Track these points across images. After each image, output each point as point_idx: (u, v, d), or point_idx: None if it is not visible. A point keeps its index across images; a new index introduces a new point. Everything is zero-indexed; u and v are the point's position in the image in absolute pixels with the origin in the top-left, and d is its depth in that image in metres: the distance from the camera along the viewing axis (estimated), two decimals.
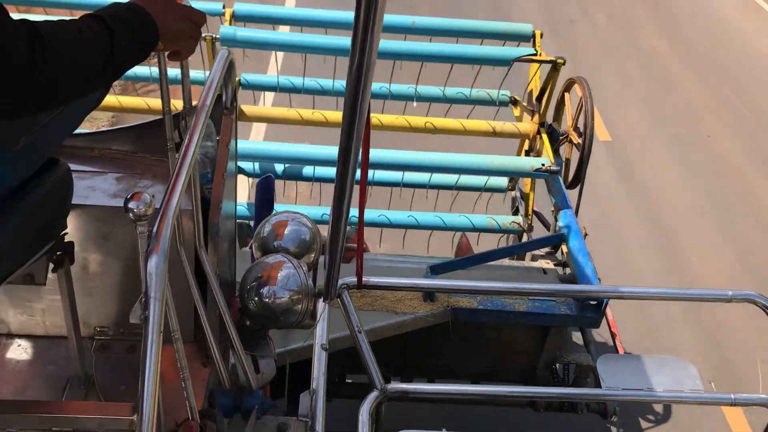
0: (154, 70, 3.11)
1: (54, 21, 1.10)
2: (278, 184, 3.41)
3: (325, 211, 3.31)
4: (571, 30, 8.28)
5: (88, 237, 1.74)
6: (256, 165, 3.21)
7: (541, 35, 3.30)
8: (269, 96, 3.43)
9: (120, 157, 1.89)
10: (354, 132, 1.13)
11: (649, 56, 7.97)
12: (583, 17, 8.66)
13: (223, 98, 1.83)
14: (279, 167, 3.27)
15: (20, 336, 1.82)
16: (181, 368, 1.47)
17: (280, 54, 3.20)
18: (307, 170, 3.31)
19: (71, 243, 1.57)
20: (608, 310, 3.37)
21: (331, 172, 3.32)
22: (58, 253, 1.55)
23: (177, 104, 2.60)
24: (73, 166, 1.57)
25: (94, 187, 1.77)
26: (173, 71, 2.54)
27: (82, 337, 1.69)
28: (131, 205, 1.19)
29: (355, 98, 1.01)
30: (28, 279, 1.59)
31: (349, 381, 3.05)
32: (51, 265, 1.56)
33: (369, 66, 0.96)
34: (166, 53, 1.40)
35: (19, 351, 1.81)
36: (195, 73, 3.17)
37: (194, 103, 1.60)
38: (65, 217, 1.53)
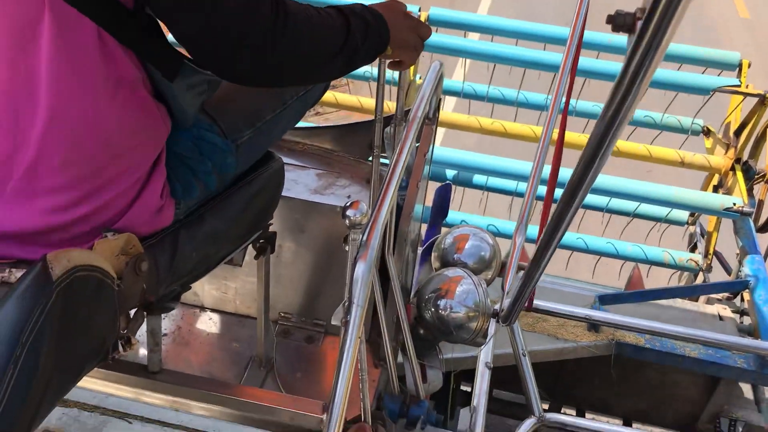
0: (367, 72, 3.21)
1: (299, 2, 1.16)
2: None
3: (492, 222, 3.28)
4: None
5: (286, 227, 1.83)
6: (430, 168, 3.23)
7: (749, 65, 3.07)
8: (449, 101, 3.44)
9: (322, 154, 1.97)
10: (594, 165, 1.09)
11: None
12: None
13: (429, 108, 1.85)
14: (450, 173, 3.27)
15: (213, 310, 1.96)
16: (361, 369, 1.51)
17: (468, 61, 3.19)
18: (479, 179, 3.29)
19: (274, 233, 1.66)
20: None
21: (502, 183, 3.28)
22: (261, 241, 1.64)
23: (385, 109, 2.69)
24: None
25: (296, 181, 1.86)
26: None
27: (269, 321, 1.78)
28: (349, 212, 1.23)
29: (606, 131, 0.97)
30: (228, 261, 1.70)
31: (498, 397, 3.01)
32: (254, 252, 1.65)
33: (628, 110, 0.92)
34: (388, 61, 1.44)
35: (210, 324, 1.94)
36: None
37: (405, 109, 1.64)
38: (275, 209, 1.62)
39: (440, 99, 1.88)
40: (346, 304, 1.20)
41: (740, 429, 2.78)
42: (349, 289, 1.20)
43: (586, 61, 3.00)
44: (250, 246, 1.65)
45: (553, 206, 1.42)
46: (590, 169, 1.14)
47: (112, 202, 1.15)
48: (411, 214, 1.76)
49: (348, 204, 1.25)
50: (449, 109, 3.51)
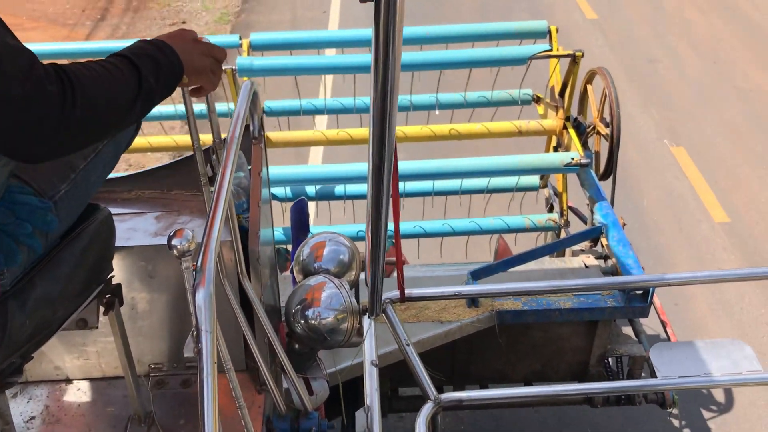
0: (179, 108, 3.17)
1: (81, 63, 1.15)
2: (312, 205, 3.45)
3: (361, 228, 3.33)
4: (653, 73, 7.08)
5: (135, 277, 1.78)
6: (288, 189, 3.24)
7: (557, 30, 3.29)
8: (294, 121, 3.47)
9: (157, 196, 1.94)
10: (385, 147, 1.14)
11: (755, 96, 6.50)
12: (664, 55, 7.37)
13: (251, 128, 1.86)
14: (311, 189, 3.30)
15: (79, 380, 1.87)
16: (236, 397, 1.49)
17: (301, 78, 3.23)
18: (339, 189, 3.33)
19: (119, 285, 1.61)
20: (656, 299, 3.32)
21: (362, 188, 3.34)
22: (107, 296, 1.59)
23: (205, 139, 2.65)
24: (113, 210, 1.61)
25: (135, 228, 1.81)
26: (197, 107, 2.59)
27: (138, 376, 1.73)
28: (174, 242, 1.22)
29: (382, 114, 1.03)
30: (81, 323, 1.63)
31: (402, 395, 3.04)
32: (102, 309, 1.60)
33: (393, 81, 0.97)
34: (189, 89, 1.44)
35: (79, 395, 1.85)
36: (218, 106, 3.23)
37: (222, 135, 1.64)
38: (111, 260, 1.57)
39: (262, 117, 1.89)
40: (195, 333, 1.19)
41: (626, 363, 2.96)
42: (194, 318, 1.18)
43: (408, 55, 3.11)
44: (98, 303, 1.59)
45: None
46: (383, 148, 1.19)
47: None
48: (258, 233, 1.76)
49: (171, 234, 1.24)
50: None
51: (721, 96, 6.64)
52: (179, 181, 1.94)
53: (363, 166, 2.98)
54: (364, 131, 3.30)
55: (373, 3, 0.91)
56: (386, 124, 1.07)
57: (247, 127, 1.87)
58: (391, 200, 1.48)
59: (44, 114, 1.05)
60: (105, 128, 1.20)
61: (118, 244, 1.64)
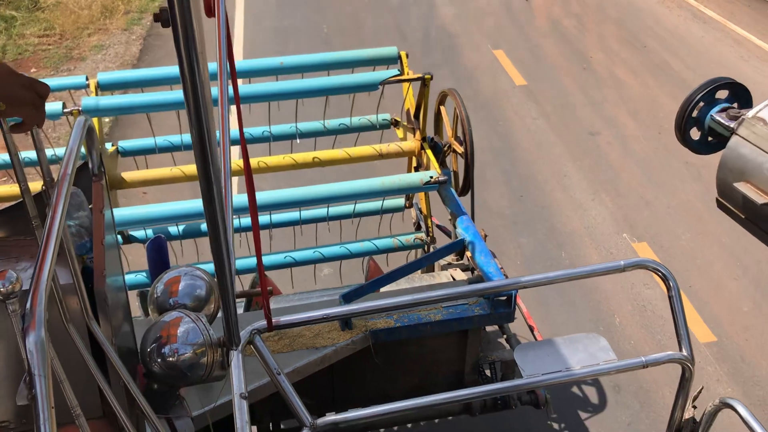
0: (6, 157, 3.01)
1: None
2: (176, 245, 3.36)
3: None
4: (596, 149, 6.40)
5: None
6: (149, 231, 3.15)
7: (407, 56, 3.41)
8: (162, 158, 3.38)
9: None
10: (211, 179, 1.14)
11: (707, 173, 5.81)
12: (604, 126, 6.74)
13: (90, 165, 1.80)
14: (173, 228, 3.22)
15: None
16: None
17: (153, 116, 3.17)
18: (202, 226, 3.27)
19: None
20: (522, 304, 3.47)
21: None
22: None
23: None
24: None
25: None
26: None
27: None
28: None
29: (201, 144, 1.03)
30: None
31: (286, 427, 3.00)
32: None
33: (206, 108, 0.98)
34: (10, 125, 1.38)
35: None
36: (63, 151, 3.10)
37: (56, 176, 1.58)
38: None
39: (100, 153, 1.84)
40: (27, 379, 1.12)
41: (499, 368, 3.06)
42: (26, 363, 1.12)
43: (263, 85, 3.12)
44: None
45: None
46: (211, 184, 1.19)
47: None
48: (104, 273, 1.70)
49: None
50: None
51: (672, 174, 6.06)
52: (15, 227, 1.84)
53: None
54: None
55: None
56: (207, 154, 1.08)
57: (85, 164, 1.81)
58: (230, 231, 1.47)
59: None
60: None
61: None
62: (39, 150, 1.54)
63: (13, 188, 3.06)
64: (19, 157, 1.50)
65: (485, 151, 6.11)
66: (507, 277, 3.01)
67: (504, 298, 2.78)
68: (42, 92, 1.38)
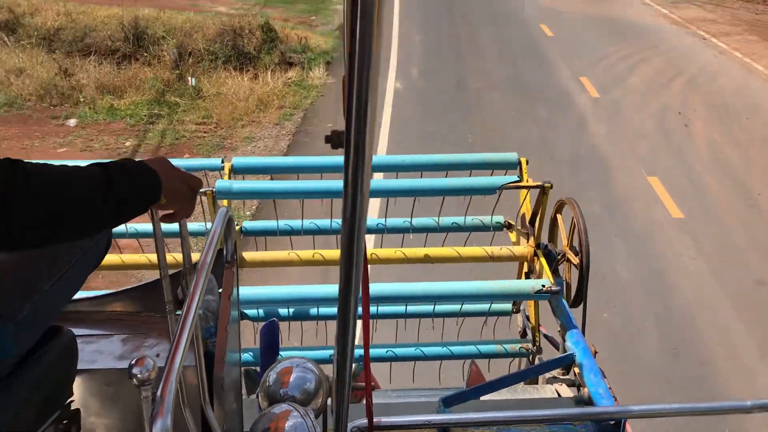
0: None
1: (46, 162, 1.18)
2: (284, 326, 3.42)
3: (332, 351, 3.29)
4: (765, 301, 5.72)
5: (95, 401, 1.74)
6: (260, 310, 3.23)
7: (527, 162, 3.43)
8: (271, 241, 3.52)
9: (125, 318, 1.93)
10: (353, 270, 1.17)
11: None
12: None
13: (224, 252, 1.89)
14: (283, 310, 3.29)
15: None
16: None
17: (280, 202, 3.32)
18: (312, 310, 3.33)
19: (78, 411, 1.58)
20: (629, 429, 3.27)
21: (334, 310, 3.33)
22: (64, 421, 1.55)
23: (178, 257, 2.66)
24: (78, 331, 1.60)
25: (101, 351, 1.79)
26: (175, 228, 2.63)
27: None
28: (135, 370, 1.21)
29: (350, 237, 1.07)
30: None
31: None
32: None
33: (362, 207, 1.02)
34: (160, 215, 1.47)
35: None
36: (197, 226, 3.28)
37: (194, 258, 1.66)
38: (71, 386, 1.55)
39: (235, 241, 1.93)
40: None
41: None
42: None
43: (384, 182, 3.21)
44: (54, 430, 1.55)
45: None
46: (351, 275, 1.22)
47: None
48: (224, 359, 1.75)
49: (133, 362, 1.23)
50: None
51: None
52: (148, 304, 1.94)
53: (334, 288, 2.99)
54: (337, 253, 3.34)
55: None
56: (354, 248, 1.11)
57: (220, 251, 1.90)
58: (359, 322, 1.49)
59: None
60: (63, 220, 1.19)
61: (81, 366, 1.61)
62: (183, 238, 1.64)
63: (154, 258, 3.21)
64: (162, 240, 1.59)
65: (635, 290, 5.56)
66: (617, 400, 2.86)
67: (612, 422, 2.65)
68: (195, 187, 1.48)
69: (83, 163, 1.30)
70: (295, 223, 3.42)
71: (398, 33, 14.84)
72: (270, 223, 3.41)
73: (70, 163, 1.46)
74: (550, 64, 12.59)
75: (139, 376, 1.21)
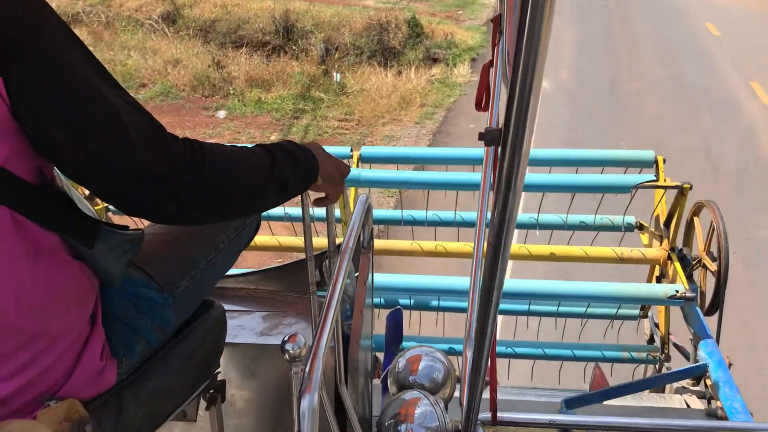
0: (288, 210, 3.30)
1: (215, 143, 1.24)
2: (405, 314, 3.46)
3: (451, 342, 3.30)
4: None
5: (237, 374, 1.83)
6: (382, 297, 3.28)
7: (664, 161, 3.28)
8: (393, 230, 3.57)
9: (266, 296, 2.01)
10: (498, 264, 1.16)
11: None
12: None
13: (361, 238, 1.93)
14: (404, 299, 3.32)
15: None
16: None
17: (405, 192, 3.35)
18: (432, 300, 3.34)
19: (224, 381, 1.66)
20: None
21: (454, 302, 3.33)
22: (211, 391, 1.64)
23: (316, 242, 2.74)
24: (224, 306, 1.68)
25: (242, 326, 1.88)
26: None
27: None
28: (288, 346, 1.26)
29: (499, 231, 1.06)
30: (181, 416, 1.68)
31: None
32: (204, 403, 1.64)
33: (514, 203, 1.01)
34: (311, 200, 1.52)
35: None
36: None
37: (337, 241, 1.71)
38: (219, 357, 1.63)
39: (372, 228, 1.96)
40: None
41: None
42: (297, 424, 1.20)
43: None
44: (201, 398, 1.64)
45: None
46: (496, 270, 1.21)
47: (50, 369, 1.16)
48: (359, 342, 1.79)
49: (286, 338, 1.28)
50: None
51: None
52: (289, 284, 2.01)
53: (459, 281, 2.99)
54: (460, 245, 3.34)
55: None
56: (501, 246, 1.10)
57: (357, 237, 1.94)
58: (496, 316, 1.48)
59: (169, 169, 1.10)
60: (233, 202, 1.25)
61: (226, 340, 1.70)
62: (329, 222, 1.69)
63: (295, 241, 3.34)
64: (310, 223, 1.64)
65: None
66: (753, 416, 2.69)
67: None
68: (345, 172, 1.51)
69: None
70: (419, 214, 3.44)
71: None
72: (394, 213, 3.45)
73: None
74: (715, 66, 11.47)
75: (291, 352, 1.25)
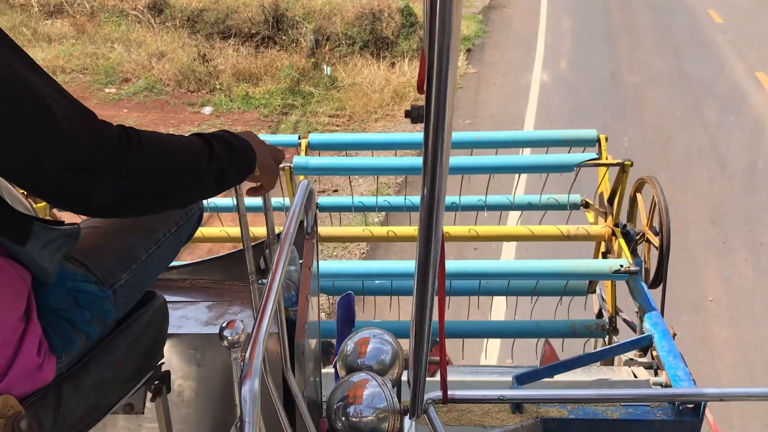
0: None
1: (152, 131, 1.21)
2: (358, 300, 3.48)
3: (405, 324, 3.32)
4: None
5: (183, 365, 1.82)
6: (335, 283, 3.29)
7: (606, 139, 3.35)
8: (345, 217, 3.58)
9: (210, 286, 2.00)
10: (431, 246, 1.18)
11: None
12: None
13: (305, 224, 1.93)
14: (357, 283, 3.34)
15: None
16: None
17: (354, 178, 3.36)
18: (385, 285, 3.36)
19: (168, 372, 1.65)
20: (708, 414, 3.18)
21: (407, 285, 3.36)
22: (156, 382, 1.63)
23: (258, 232, 2.73)
24: (166, 297, 1.67)
25: (187, 317, 1.87)
26: (255, 202, 2.69)
27: None
28: (226, 333, 1.26)
29: (429, 213, 1.08)
30: (128, 408, 1.66)
31: None
32: (149, 395, 1.63)
33: (441, 184, 1.03)
34: (247, 189, 1.51)
35: None
36: (273, 201, 3.35)
37: (277, 230, 1.71)
38: (162, 347, 1.62)
39: (315, 213, 1.97)
40: (239, 424, 1.21)
41: None
42: (239, 409, 1.21)
43: (458, 159, 3.20)
44: (146, 389, 1.63)
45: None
46: (429, 249, 1.24)
47: None
48: (305, 327, 1.80)
49: (224, 325, 1.28)
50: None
51: None
52: (232, 273, 2.01)
53: (409, 264, 3.02)
54: (410, 229, 3.37)
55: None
56: (433, 224, 1.12)
57: (300, 223, 1.94)
58: (436, 299, 1.50)
59: (102, 154, 1.06)
60: (171, 189, 1.22)
61: (170, 331, 1.69)
62: (267, 210, 1.68)
63: (232, 231, 3.32)
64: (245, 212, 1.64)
65: None
66: (696, 383, 2.79)
67: (691, 405, 2.58)
68: (279, 159, 1.51)
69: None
70: (369, 200, 3.46)
71: (546, 18, 13.78)
72: (345, 200, 3.45)
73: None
74: (719, 56, 11.03)
75: (229, 338, 1.26)
